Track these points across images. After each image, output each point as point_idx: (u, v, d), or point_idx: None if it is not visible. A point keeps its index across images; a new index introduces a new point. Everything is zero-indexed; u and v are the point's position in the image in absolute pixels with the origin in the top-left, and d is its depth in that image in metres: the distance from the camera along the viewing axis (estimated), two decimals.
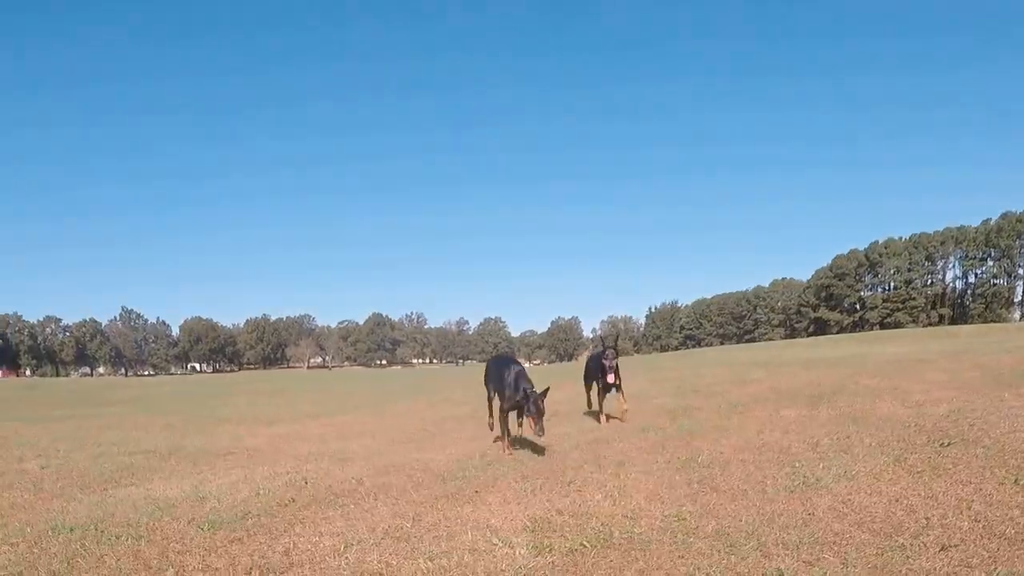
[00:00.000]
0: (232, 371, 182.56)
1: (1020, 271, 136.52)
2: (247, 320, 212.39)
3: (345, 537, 6.11)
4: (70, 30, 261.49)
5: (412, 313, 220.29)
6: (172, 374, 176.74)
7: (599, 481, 7.60)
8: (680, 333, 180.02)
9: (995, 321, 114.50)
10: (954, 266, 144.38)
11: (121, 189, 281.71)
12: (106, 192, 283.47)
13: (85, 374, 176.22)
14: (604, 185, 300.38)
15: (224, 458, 11.99)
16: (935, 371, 16.68)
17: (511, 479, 8.12)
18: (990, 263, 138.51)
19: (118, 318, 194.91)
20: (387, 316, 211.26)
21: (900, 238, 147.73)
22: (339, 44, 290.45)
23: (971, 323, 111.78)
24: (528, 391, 9.25)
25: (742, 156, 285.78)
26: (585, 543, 5.40)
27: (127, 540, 6.40)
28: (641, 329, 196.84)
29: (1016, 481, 5.80)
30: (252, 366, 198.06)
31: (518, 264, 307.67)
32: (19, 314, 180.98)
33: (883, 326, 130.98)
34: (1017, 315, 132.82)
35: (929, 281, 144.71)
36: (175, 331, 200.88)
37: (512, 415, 10.31)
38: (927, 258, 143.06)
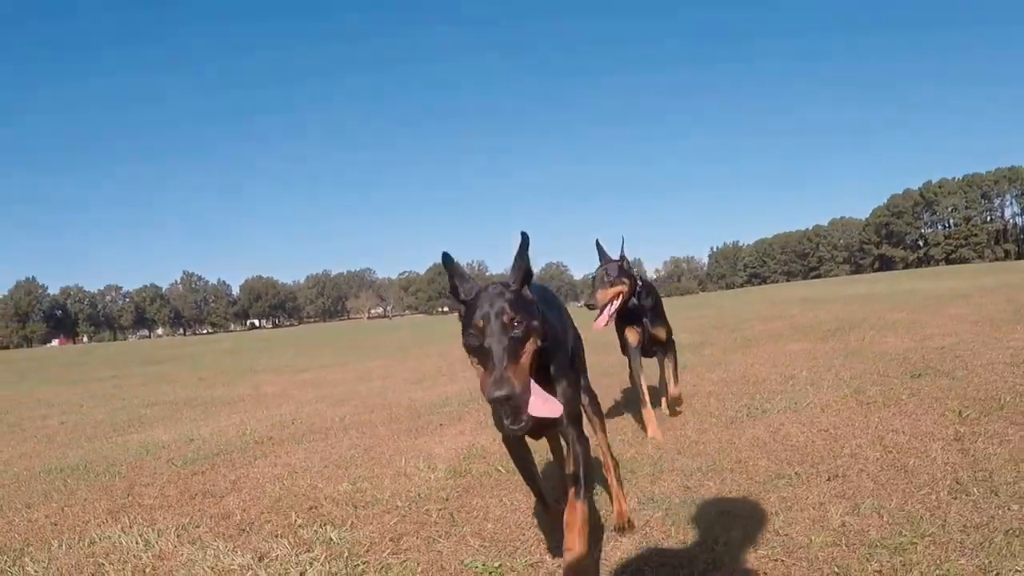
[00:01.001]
0: (291, 326, 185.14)
1: None
2: (308, 276, 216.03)
3: (295, 467, 6.21)
4: None
5: (473, 261, 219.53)
6: (231, 331, 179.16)
7: None
8: (744, 271, 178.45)
9: None
10: (1011, 204, 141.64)
11: (182, 157, 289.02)
12: (167, 160, 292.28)
13: (143, 336, 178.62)
14: (662, 125, 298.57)
15: (233, 405, 12.19)
16: (964, 305, 16.39)
17: (480, 414, 8.12)
18: None
19: (179, 282, 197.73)
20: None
21: (953, 178, 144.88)
22: None
23: None
24: None
25: (785, 95, 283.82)
26: (500, 468, 5.35)
27: (105, 477, 6.61)
28: (705, 268, 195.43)
29: (959, 413, 5.52)
30: (312, 320, 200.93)
31: (577, 207, 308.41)
32: (80, 285, 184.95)
33: (948, 262, 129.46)
34: None
35: (988, 218, 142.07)
36: (235, 291, 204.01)
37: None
38: (983, 196, 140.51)
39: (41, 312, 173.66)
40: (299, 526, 4.32)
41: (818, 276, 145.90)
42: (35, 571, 3.97)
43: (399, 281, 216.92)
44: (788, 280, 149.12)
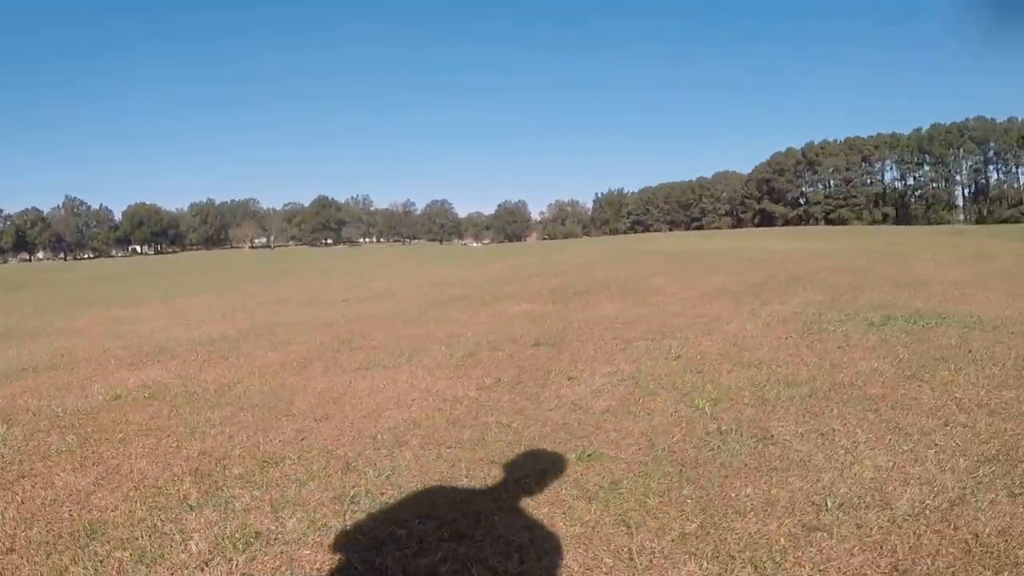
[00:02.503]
0: (174, 252, 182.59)
1: (957, 178, 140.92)
2: (191, 204, 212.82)
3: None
4: None
5: (358, 195, 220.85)
6: (112, 256, 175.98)
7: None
8: (628, 218, 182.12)
9: (939, 223, 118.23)
10: (891, 168, 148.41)
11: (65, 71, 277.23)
12: (50, 76, 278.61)
13: (23, 260, 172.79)
14: (550, 67, 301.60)
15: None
16: (727, 272, 18.05)
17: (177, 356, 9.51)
18: (926, 168, 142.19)
19: (61, 206, 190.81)
20: (332, 198, 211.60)
21: (835, 140, 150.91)
22: None
23: (915, 223, 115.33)
24: None
25: (677, 47, 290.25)
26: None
27: None
28: (589, 213, 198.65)
29: (499, 380, 7.17)
30: (195, 247, 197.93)
31: (463, 146, 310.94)
32: None
33: (828, 221, 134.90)
34: (960, 217, 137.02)
35: (868, 181, 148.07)
36: (118, 216, 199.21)
37: None
38: (863, 159, 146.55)
39: None
40: None
41: (700, 227, 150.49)
42: None
43: (283, 213, 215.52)
44: (671, 229, 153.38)
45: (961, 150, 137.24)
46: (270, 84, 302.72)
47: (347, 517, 4.05)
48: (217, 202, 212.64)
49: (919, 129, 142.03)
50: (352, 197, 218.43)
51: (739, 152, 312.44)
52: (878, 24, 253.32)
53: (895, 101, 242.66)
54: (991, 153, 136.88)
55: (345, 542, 3.77)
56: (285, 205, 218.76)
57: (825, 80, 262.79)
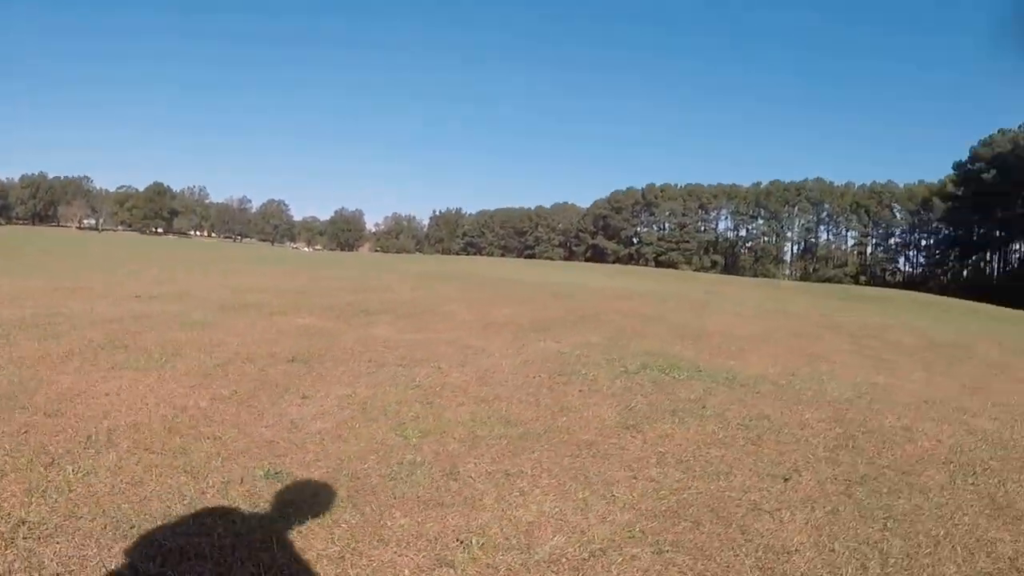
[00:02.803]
0: None
1: (788, 234, 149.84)
2: (23, 176, 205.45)
3: None
4: None
5: (194, 186, 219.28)
6: None
7: None
8: (463, 239, 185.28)
9: (764, 275, 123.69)
10: (726, 218, 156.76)
11: None
12: None
13: None
14: (399, 73, 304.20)
15: None
16: (515, 305, 18.34)
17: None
18: (760, 221, 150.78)
19: None
20: (168, 186, 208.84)
21: (676, 185, 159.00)
22: None
23: (742, 274, 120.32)
24: None
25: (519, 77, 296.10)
26: None
27: None
28: (425, 229, 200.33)
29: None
30: (21, 221, 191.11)
31: (304, 149, 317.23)
32: None
33: (658, 263, 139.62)
34: (787, 272, 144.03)
35: (702, 228, 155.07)
36: None
37: None
38: (700, 207, 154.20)
39: None
40: None
41: (532, 256, 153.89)
42: None
43: (115, 195, 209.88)
44: (503, 255, 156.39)
45: (796, 208, 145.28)
46: (121, 62, 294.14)
47: (30, 510, 4.15)
48: (50, 176, 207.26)
49: (759, 183, 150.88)
50: (188, 187, 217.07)
51: (581, 186, 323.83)
52: (726, 79, 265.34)
53: (742, 154, 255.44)
54: (824, 214, 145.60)
55: (19, 532, 3.88)
56: (119, 187, 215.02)
57: (675, 127, 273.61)
